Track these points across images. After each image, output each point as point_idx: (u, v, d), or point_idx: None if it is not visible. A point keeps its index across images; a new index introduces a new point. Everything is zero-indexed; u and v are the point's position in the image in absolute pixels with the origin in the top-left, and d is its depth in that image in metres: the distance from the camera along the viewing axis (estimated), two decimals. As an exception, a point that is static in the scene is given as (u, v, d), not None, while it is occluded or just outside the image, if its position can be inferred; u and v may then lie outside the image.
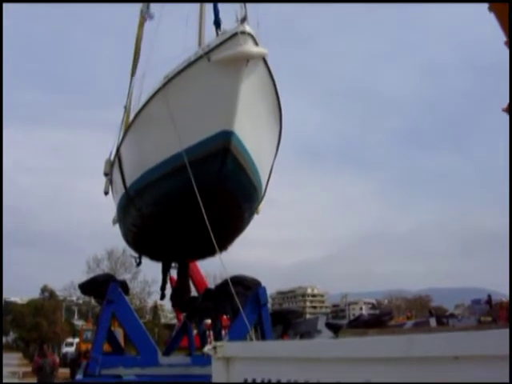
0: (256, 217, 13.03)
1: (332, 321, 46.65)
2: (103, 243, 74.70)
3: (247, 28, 9.36)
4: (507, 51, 11.94)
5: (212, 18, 11.23)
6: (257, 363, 4.46)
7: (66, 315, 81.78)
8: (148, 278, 60.90)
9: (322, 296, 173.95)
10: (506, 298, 34.75)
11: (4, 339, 78.36)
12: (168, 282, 15.12)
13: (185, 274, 14.74)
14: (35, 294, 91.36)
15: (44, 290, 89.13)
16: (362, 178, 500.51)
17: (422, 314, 63.08)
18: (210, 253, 12.18)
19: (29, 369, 32.49)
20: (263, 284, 12.54)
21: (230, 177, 10.39)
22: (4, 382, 23.19)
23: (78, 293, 46.39)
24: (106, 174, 14.03)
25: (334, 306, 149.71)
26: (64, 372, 31.77)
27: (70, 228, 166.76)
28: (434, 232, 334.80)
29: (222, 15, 11.01)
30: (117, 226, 14.98)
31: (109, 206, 15.45)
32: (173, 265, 14.89)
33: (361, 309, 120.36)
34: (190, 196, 9.49)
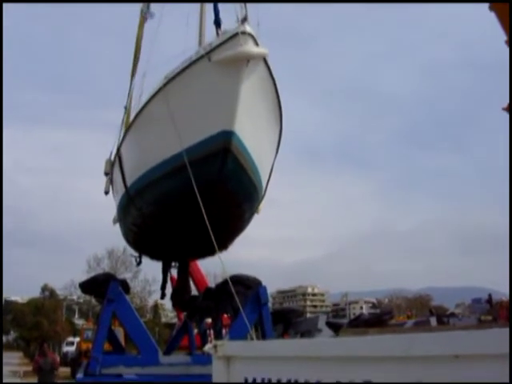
0: (256, 216, 13.05)
1: (332, 320, 46.69)
2: (104, 242, 74.81)
3: (248, 28, 9.37)
4: (507, 50, 11.92)
5: (212, 17, 11.24)
6: (257, 362, 4.46)
7: (66, 314, 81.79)
8: (149, 277, 60.89)
9: (322, 295, 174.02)
10: (506, 297, 34.70)
11: (4, 338, 78.47)
12: (169, 281, 15.13)
13: (185, 273, 14.75)
14: (36, 293, 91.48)
15: (44, 289, 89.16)
16: (362, 177, 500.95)
17: (423, 313, 63.03)
18: (211, 252, 12.18)
19: (29, 368, 32.49)
20: (264, 283, 12.55)
21: (231, 176, 10.40)
22: (5, 381, 23.17)
23: (79, 292, 46.42)
24: (106, 174, 14.05)
25: (335, 305, 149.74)
26: (65, 371, 31.84)
27: (70, 228, 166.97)
28: (435, 231, 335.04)
29: (222, 15, 11.03)
30: (117, 225, 14.99)
31: (109, 205, 15.49)
32: (173, 264, 14.90)
33: (361, 308, 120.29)
34: (191, 196, 9.50)
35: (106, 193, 14.17)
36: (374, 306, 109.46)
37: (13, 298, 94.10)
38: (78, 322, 76.14)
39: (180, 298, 14.38)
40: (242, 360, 4.62)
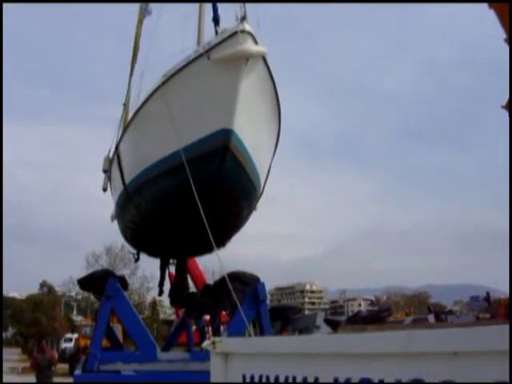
0: (255, 213, 13.08)
1: (331, 317, 46.59)
2: (102, 239, 74.83)
3: (247, 27, 9.37)
4: (507, 48, 11.92)
5: (211, 16, 11.23)
6: (255, 359, 4.48)
7: (64, 311, 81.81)
8: (147, 274, 60.90)
9: (320, 292, 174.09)
10: (504, 295, 34.79)
11: (3, 334, 78.41)
12: (167, 277, 15.13)
13: (183, 270, 14.76)
14: (34, 289, 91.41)
15: (43, 285, 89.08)
16: (362, 174, 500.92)
17: (421, 310, 63.13)
18: (209, 249, 12.19)
19: (28, 364, 32.52)
20: (262, 280, 12.55)
21: (229, 175, 10.42)
22: (3, 377, 23.19)
23: (77, 288, 46.56)
24: (104, 171, 14.05)
25: (333, 302, 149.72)
26: (63, 367, 31.86)
27: (69, 223, 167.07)
28: (434, 229, 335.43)
29: (221, 15, 11.02)
30: (115, 222, 14.99)
31: (107, 202, 15.49)
32: (171, 261, 14.91)
33: (359, 305, 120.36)
34: (189, 193, 9.51)
35: (105, 190, 14.17)
36: (372, 303, 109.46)
37: (11, 294, 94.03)
38: (77, 318, 76.22)
39: (178, 294, 14.39)
40: (240, 356, 4.64)
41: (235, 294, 9.65)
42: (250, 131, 10.33)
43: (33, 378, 20.63)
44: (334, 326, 29.90)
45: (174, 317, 45.17)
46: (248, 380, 4.38)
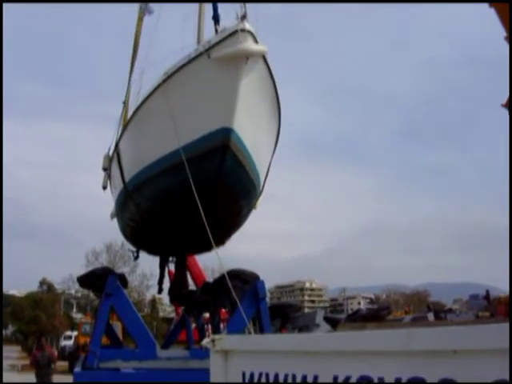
0: (255, 211, 13.09)
1: (330, 315, 46.65)
2: (102, 237, 74.89)
3: (247, 26, 9.35)
4: (507, 46, 11.93)
5: (211, 15, 11.24)
6: (255, 356, 4.48)
7: (64, 308, 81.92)
8: (147, 272, 61.04)
9: (320, 290, 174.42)
10: (503, 293, 34.82)
11: (3, 332, 78.48)
12: (166, 275, 15.13)
13: (183, 267, 14.76)
14: (34, 286, 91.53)
15: (43, 282, 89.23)
16: (362, 173, 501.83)
17: (420, 308, 63.22)
18: (208, 247, 12.18)
19: (27, 362, 32.59)
20: (262, 278, 12.55)
21: (229, 173, 10.41)
22: (3, 376, 23.20)
23: (77, 286, 46.43)
24: (104, 169, 14.03)
25: (332, 300, 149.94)
26: (62, 365, 31.91)
27: (69, 221, 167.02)
28: (433, 227, 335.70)
29: (221, 14, 11.05)
30: (115, 220, 14.99)
31: (107, 200, 15.49)
32: (171, 259, 14.91)
33: (359, 303, 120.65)
34: (189, 192, 9.51)
35: (104, 188, 14.15)
36: (371, 301, 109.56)
37: (11, 292, 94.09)
38: (76, 316, 76.33)
39: (178, 292, 14.39)
40: (239, 354, 4.64)
41: (235, 291, 9.65)
42: (250, 130, 10.32)
43: (32, 376, 20.68)
44: (333, 324, 29.85)
45: (173, 315, 45.23)
46: (248, 378, 4.38)
